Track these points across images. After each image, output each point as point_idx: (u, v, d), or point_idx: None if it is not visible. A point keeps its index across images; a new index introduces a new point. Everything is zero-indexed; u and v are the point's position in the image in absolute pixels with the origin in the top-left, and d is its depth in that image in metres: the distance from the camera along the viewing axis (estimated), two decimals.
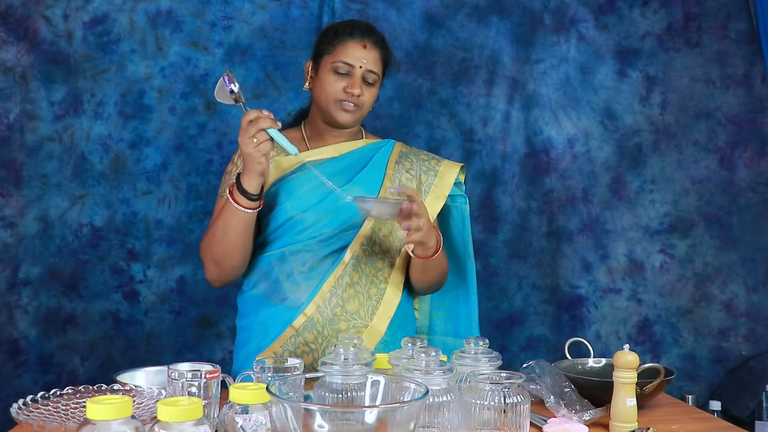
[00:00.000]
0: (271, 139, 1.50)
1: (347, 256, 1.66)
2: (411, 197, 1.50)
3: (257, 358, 1.63)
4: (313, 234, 1.66)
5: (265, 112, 1.50)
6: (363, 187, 1.69)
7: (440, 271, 1.71)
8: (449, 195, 1.80)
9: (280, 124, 1.51)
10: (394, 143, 1.82)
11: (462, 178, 1.84)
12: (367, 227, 1.68)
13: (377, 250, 1.70)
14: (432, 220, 1.76)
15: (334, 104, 1.68)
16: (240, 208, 1.55)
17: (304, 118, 1.83)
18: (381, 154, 1.77)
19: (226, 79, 1.52)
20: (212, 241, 1.63)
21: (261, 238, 1.72)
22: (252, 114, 1.49)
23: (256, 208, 1.58)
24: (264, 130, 1.48)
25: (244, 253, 1.65)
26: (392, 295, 1.70)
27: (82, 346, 2.65)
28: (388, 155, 1.77)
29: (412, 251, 1.60)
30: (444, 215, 1.85)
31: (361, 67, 1.67)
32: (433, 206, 1.77)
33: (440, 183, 1.78)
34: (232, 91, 1.52)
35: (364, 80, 1.69)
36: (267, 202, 1.69)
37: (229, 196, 1.56)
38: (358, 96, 1.67)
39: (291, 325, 1.62)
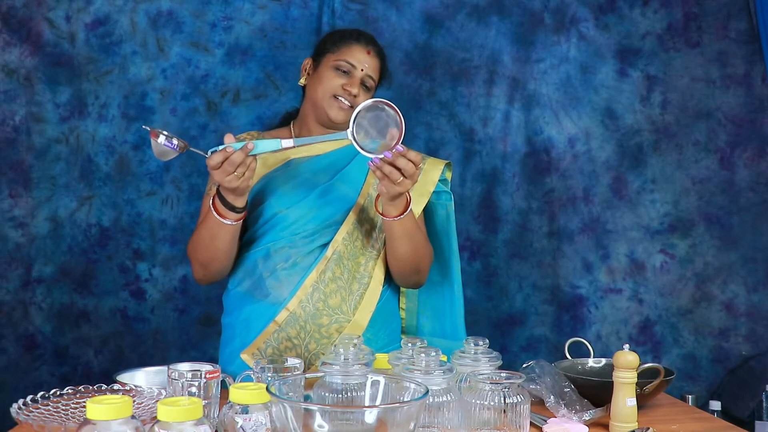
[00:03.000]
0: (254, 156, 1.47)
1: (329, 251, 1.67)
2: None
3: (241, 355, 1.65)
4: (296, 230, 1.68)
5: (229, 149, 1.44)
6: (346, 184, 1.72)
7: (413, 247, 1.67)
8: (434, 192, 1.81)
9: (252, 145, 1.45)
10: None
11: (448, 175, 1.86)
12: (349, 223, 1.69)
13: (359, 245, 1.71)
14: (416, 217, 1.77)
15: (330, 99, 1.72)
16: (226, 222, 1.57)
17: (293, 119, 1.87)
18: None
19: (164, 140, 1.42)
20: (198, 245, 1.65)
21: (248, 234, 1.73)
22: (217, 159, 1.44)
23: (240, 219, 1.59)
24: (241, 165, 1.45)
25: (230, 257, 1.68)
26: (374, 289, 1.70)
27: (95, 341, 2.70)
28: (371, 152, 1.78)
29: (380, 210, 1.59)
30: (429, 212, 1.86)
31: (362, 70, 1.74)
32: (416, 204, 1.77)
33: (424, 180, 1.79)
34: (175, 147, 1.44)
35: (363, 84, 1.74)
36: (253, 199, 1.71)
37: (212, 209, 1.56)
38: (355, 96, 1.71)
39: (274, 321, 1.63)
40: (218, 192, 1.55)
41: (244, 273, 1.70)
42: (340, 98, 1.72)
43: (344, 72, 1.73)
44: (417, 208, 1.77)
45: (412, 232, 1.66)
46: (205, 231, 1.61)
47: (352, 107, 1.72)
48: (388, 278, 1.76)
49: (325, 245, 1.68)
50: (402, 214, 1.59)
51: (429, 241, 1.80)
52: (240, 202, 1.56)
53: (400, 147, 1.46)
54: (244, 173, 1.47)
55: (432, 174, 1.80)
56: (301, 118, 1.82)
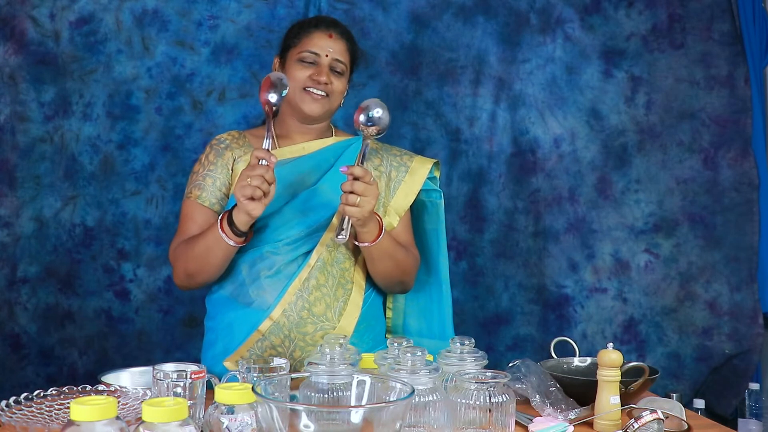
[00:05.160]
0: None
1: (313, 258, 1.64)
2: (356, 176, 1.50)
3: (224, 362, 1.62)
4: (279, 237, 1.65)
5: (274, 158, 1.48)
6: (331, 186, 1.66)
7: (394, 264, 1.68)
8: (424, 190, 1.80)
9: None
10: None
11: (437, 173, 1.84)
12: (333, 229, 1.66)
13: (343, 251, 1.68)
14: (401, 216, 1.76)
15: (301, 93, 1.68)
16: (226, 239, 1.55)
17: (274, 117, 1.83)
18: (350, 152, 1.75)
19: None
20: (189, 255, 1.62)
21: None
22: (261, 152, 1.47)
23: (240, 244, 1.57)
24: (262, 177, 1.46)
25: (220, 271, 1.65)
26: (358, 294, 1.69)
27: (80, 342, 2.68)
28: (356, 153, 1.76)
29: (354, 236, 1.60)
30: (418, 211, 1.84)
31: (327, 55, 1.69)
32: (402, 202, 1.76)
33: (411, 179, 1.77)
34: None
35: (332, 69, 1.69)
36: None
37: (218, 225, 1.55)
38: (326, 84, 1.67)
39: (257, 330, 1.61)
40: (229, 213, 1.54)
41: (227, 277, 1.68)
42: (311, 90, 1.68)
43: (310, 63, 1.68)
44: (402, 207, 1.76)
45: (390, 251, 1.65)
46: (201, 243, 1.59)
47: (327, 96, 1.69)
48: (372, 281, 1.74)
49: (309, 252, 1.65)
50: (376, 239, 1.59)
51: (414, 247, 1.78)
52: (238, 220, 1.52)
53: (343, 168, 1.50)
54: (245, 186, 1.45)
55: (420, 172, 1.78)
56: (281, 118, 1.76)
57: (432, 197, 1.83)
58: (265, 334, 1.61)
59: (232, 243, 1.55)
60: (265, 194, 1.47)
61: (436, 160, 1.83)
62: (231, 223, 1.53)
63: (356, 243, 1.63)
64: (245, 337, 1.62)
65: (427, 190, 1.82)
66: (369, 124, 1.54)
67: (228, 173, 1.70)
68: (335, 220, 1.66)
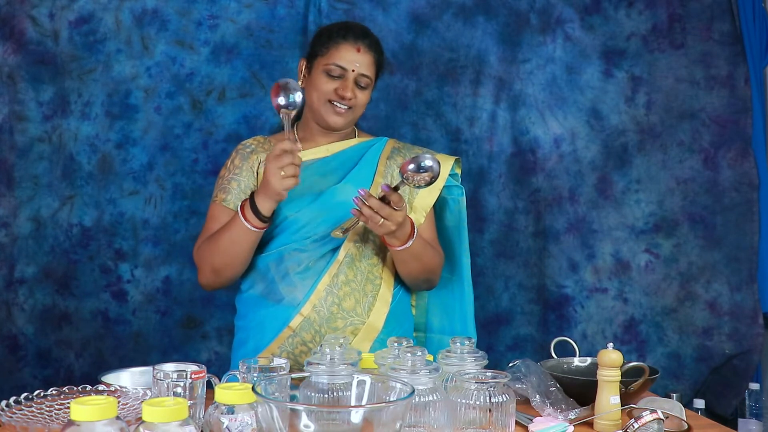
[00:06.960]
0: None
1: (341, 254, 1.67)
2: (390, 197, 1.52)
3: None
4: (307, 234, 1.68)
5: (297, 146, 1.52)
6: (355, 185, 1.69)
7: (422, 265, 1.70)
8: (445, 187, 1.82)
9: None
10: (387, 140, 1.84)
11: (458, 170, 1.86)
12: (360, 225, 1.68)
13: (371, 246, 1.71)
14: (425, 213, 1.78)
15: (325, 105, 1.70)
16: (250, 226, 1.57)
17: (297, 120, 1.84)
18: (373, 151, 1.78)
19: None
20: (214, 250, 1.64)
21: None
22: (286, 145, 1.50)
23: (264, 228, 1.60)
24: (294, 165, 1.50)
25: (245, 263, 1.68)
26: (387, 290, 1.71)
27: (76, 344, 2.67)
28: (379, 152, 1.79)
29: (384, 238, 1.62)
30: (440, 207, 1.86)
31: (353, 70, 1.69)
32: (425, 199, 1.78)
33: None
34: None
35: (357, 84, 1.70)
36: None
37: (239, 213, 1.58)
38: (350, 99, 1.69)
39: (288, 326, 1.64)
40: (251, 198, 1.57)
41: (255, 276, 1.71)
42: (335, 103, 1.69)
43: (336, 76, 1.68)
44: (425, 204, 1.78)
45: (419, 253, 1.67)
46: (225, 235, 1.62)
47: (351, 109, 1.71)
48: (401, 278, 1.76)
49: (337, 248, 1.68)
50: (405, 243, 1.61)
51: (438, 244, 1.80)
52: (264, 207, 1.56)
53: (362, 191, 1.51)
54: (287, 178, 1.50)
55: (441, 170, 1.80)
56: (304, 121, 1.80)
57: (453, 194, 1.86)
58: (296, 330, 1.64)
59: (255, 229, 1.58)
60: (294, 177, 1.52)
61: (457, 157, 1.86)
62: (255, 211, 1.56)
63: (385, 244, 1.65)
64: (276, 333, 1.65)
65: (449, 187, 1.84)
66: (422, 171, 1.50)
67: (253, 176, 1.73)
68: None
